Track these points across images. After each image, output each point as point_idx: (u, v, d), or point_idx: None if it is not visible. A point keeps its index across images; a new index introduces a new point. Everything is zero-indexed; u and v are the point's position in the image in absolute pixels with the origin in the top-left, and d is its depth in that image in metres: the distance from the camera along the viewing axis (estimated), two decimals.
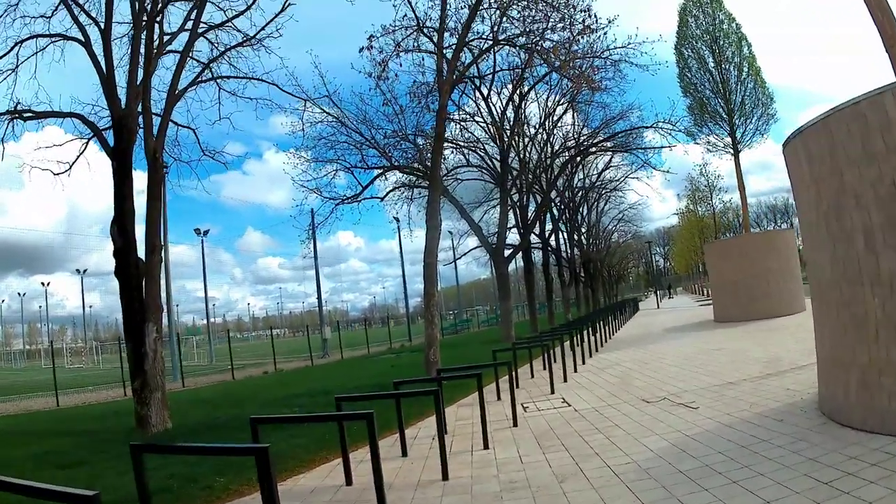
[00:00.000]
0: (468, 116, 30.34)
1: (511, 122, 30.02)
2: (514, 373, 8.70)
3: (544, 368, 14.24)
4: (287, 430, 9.08)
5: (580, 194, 49.70)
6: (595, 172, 47.35)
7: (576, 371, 13.42)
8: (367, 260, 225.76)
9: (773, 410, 7.36)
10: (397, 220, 38.87)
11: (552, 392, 10.95)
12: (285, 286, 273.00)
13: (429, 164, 18.21)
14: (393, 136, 25.56)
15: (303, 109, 20.77)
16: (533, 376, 13.41)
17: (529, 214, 34.74)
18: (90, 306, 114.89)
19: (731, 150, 27.07)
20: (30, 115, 12.92)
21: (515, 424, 8.42)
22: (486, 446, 7.31)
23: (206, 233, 53.23)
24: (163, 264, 31.81)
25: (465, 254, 42.17)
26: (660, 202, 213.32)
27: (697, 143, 28.32)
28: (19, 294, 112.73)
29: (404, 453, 7.42)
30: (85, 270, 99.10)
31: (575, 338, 15.79)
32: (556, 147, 36.93)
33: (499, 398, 10.68)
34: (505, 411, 9.18)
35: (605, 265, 74.66)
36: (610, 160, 42.24)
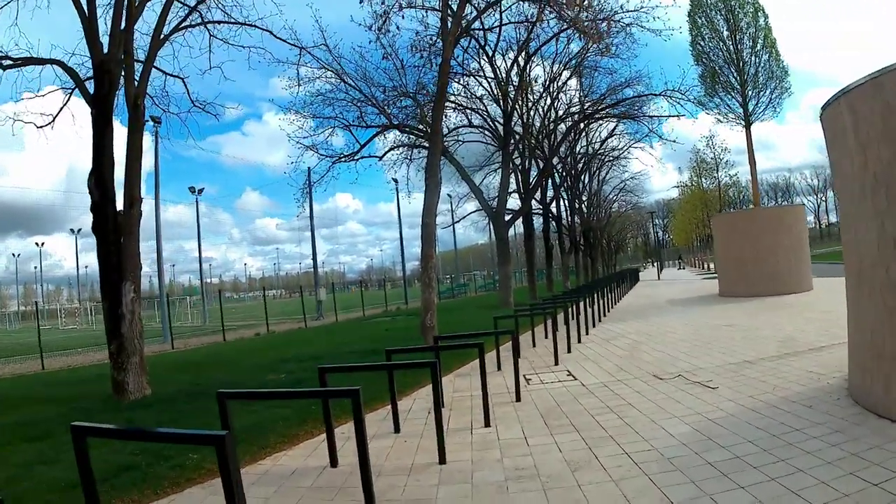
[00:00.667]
0: (471, 74, 29.47)
1: (515, 84, 29.08)
2: (516, 343, 8.04)
3: (546, 337, 13.78)
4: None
5: (582, 161, 49.16)
6: (598, 140, 46.81)
7: (579, 342, 12.82)
8: (365, 222, 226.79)
9: (800, 395, 6.76)
10: (396, 181, 38.26)
11: (556, 363, 10.35)
12: (283, 247, 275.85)
13: (430, 121, 17.47)
14: (393, 92, 24.72)
15: (298, 64, 19.90)
16: (535, 345, 12.86)
17: (531, 179, 33.99)
18: (86, 266, 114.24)
19: (743, 122, 26.16)
20: (8, 62, 12.11)
21: (518, 399, 7.79)
22: (486, 424, 6.70)
23: (200, 191, 52.75)
24: (155, 222, 32.35)
25: (464, 217, 41.77)
26: (660, 174, 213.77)
27: (708, 114, 27.51)
28: (14, 255, 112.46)
29: (397, 429, 6.81)
30: (79, 230, 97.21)
31: (577, 306, 15.18)
32: (560, 112, 36.21)
33: (499, 368, 10.14)
34: (507, 383, 8.64)
35: (605, 235, 74.38)
36: (615, 128, 41.51)
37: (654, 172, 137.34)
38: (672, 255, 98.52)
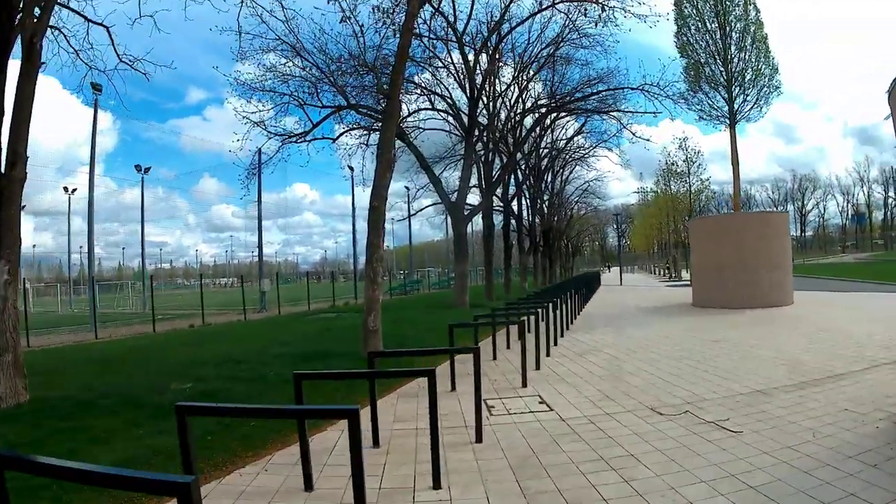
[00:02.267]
0: (437, 57, 27.72)
1: (484, 69, 27.36)
2: (477, 364, 6.13)
3: (508, 347, 11.99)
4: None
5: (547, 159, 48.06)
6: (565, 138, 45.70)
7: (548, 355, 11.04)
8: (321, 213, 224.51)
9: (851, 446, 5.19)
10: (352, 169, 36.23)
11: (524, 384, 8.52)
12: (238, 235, 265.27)
13: (387, 88, 15.62)
14: (350, 62, 22.70)
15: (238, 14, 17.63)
16: (495, 357, 11.06)
17: (494, 174, 32.32)
18: (33, 246, 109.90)
19: (727, 121, 24.72)
20: None
21: (479, 439, 5.88)
22: (436, 483, 4.76)
23: (147, 170, 51.84)
24: (88, 198, 30.16)
25: (420, 210, 40.09)
26: (618, 181, 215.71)
27: (689, 110, 25.96)
28: None
29: (308, 485, 4.86)
30: (24, 206, 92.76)
31: (542, 312, 13.48)
32: (528, 105, 34.66)
33: (453, 388, 8.33)
34: (462, 410, 6.92)
35: (565, 236, 73.68)
36: (583, 126, 40.31)
37: (612, 178, 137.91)
38: (630, 261, 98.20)
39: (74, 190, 57.35)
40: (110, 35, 12.89)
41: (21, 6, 9.36)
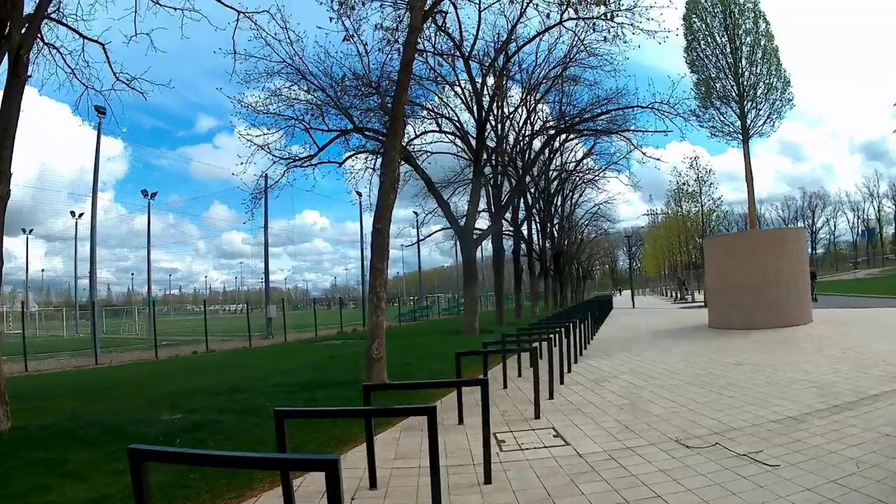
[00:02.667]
0: (444, 79, 27.44)
1: (491, 90, 27.05)
2: (486, 396, 5.54)
3: (520, 375, 11.47)
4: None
5: (556, 182, 47.80)
6: (574, 160, 45.48)
7: (562, 382, 10.49)
8: (331, 240, 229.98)
9: None
10: (360, 194, 36.13)
11: (536, 416, 7.94)
12: (248, 261, 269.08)
13: (390, 107, 15.31)
14: (354, 82, 22.41)
15: (235, 29, 17.34)
16: (506, 386, 10.53)
17: (503, 197, 31.94)
18: (42, 270, 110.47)
19: (740, 136, 24.23)
20: None
21: (488, 480, 5.32)
22: None
23: (153, 195, 50.32)
24: (90, 223, 29.84)
25: (429, 235, 39.61)
26: (626, 204, 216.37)
27: (701, 126, 25.48)
28: None
29: None
30: (31, 230, 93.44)
31: (555, 338, 12.95)
32: (537, 127, 34.36)
33: (461, 421, 7.74)
34: (471, 447, 6.34)
35: (575, 260, 73.32)
36: (591, 148, 40.13)
37: (621, 201, 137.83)
38: (641, 284, 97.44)
39: (81, 214, 57.94)
40: (106, 53, 12.59)
41: (8, 21, 9.08)
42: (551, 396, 9.16)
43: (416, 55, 14.33)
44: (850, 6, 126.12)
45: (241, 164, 23.50)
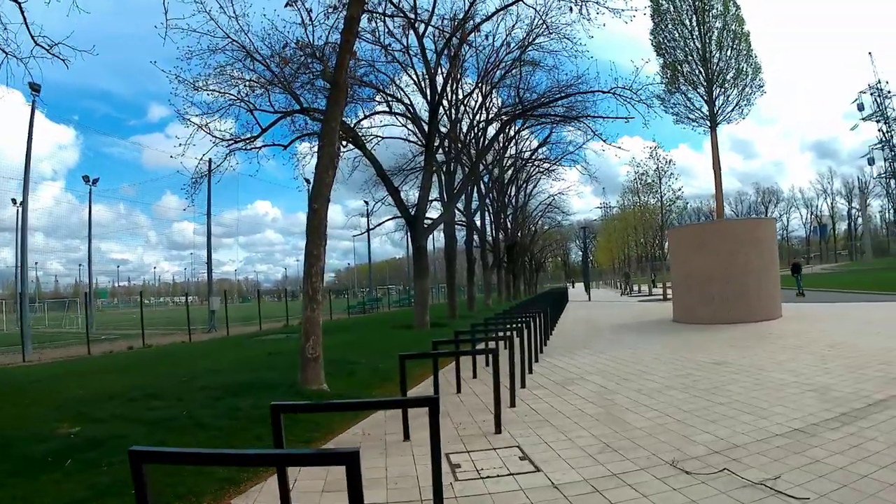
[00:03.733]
0: (395, 59, 25.95)
1: (445, 72, 25.81)
2: (435, 425, 4.19)
3: (475, 377, 10.33)
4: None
5: (510, 171, 46.93)
6: (529, 150, 44.63)
7: (524, 386, 9.35)
8: (283, 231, 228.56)
9: None
10: (307, 181, 34.56)
11: (497, 429, 6.72)
12: (200, 253, 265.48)
13: (332, 71, 13.97)
14: (297, 52, 20.85)
15: None
16: (459, 390, 9.32)
17: (455, 185, 30.71)
18: None
19: (708, 123, 23.38)
20: None
21: None
22: None
23: (95, 181, 49.30)
24: (20, 212, 27.80)
25: (381, 223, 38.25)
26: (578, 197, 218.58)
27: (666, 111, 24.54)
28: None
29: None
30: None
31: (513, 333, 11.82)
32: (492, 114, 33.14)
33: (406, 437, 6.52)
34: (418, 476, 5.13)
35: (529, 252, 72.90)
36: (548, 137, 39.17)
37: (573, 194, 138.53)
38: (595, 276, 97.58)
39: (22, 202, 55.38)
40: (22, 11, 11.02)
41: None
42: (513, 404, 7.96)
43: (365, 19, 13.02)
44: (800, 9, 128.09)
45: (180, 145, 21.79)
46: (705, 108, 23.52)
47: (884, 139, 78.64)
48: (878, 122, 78.89)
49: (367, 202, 43.18)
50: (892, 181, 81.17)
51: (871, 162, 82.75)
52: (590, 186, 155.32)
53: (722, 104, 23.45)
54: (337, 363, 12.13)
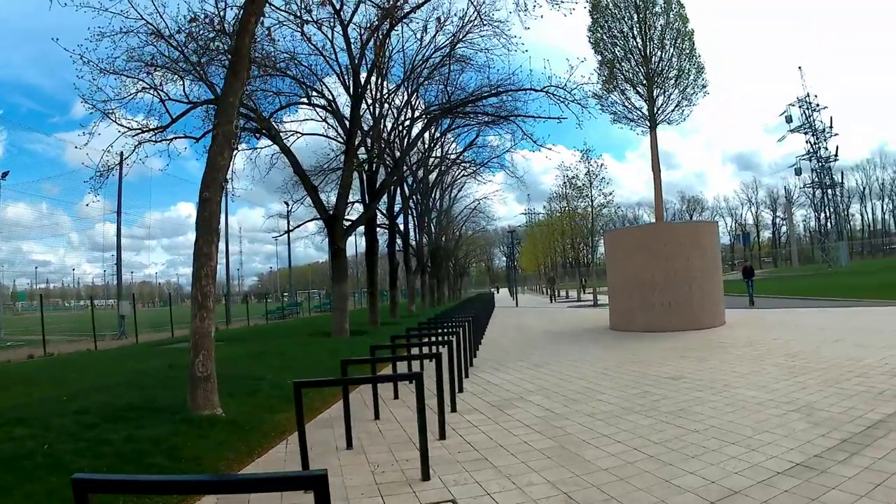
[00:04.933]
0: (318, 50, 24.27)
1: (370, 63, 24.28)
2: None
3: (396, 397, 8.92)
4: None
5: (435, 173, 45.91)
6: (455, 153, 43.56)
7: (454, 410, 7.91)
8: None
9: None
10: (227, 180, 32.56)
11: (425, 475, 5.22)
12: (124, 255, 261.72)
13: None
14: (204, 27, 18.94)
15: None
16: (378, 416, 7.82)
17: (377, 185, 29.15)
18: None
19: (647, 123, 22.40)
20: None
21: None
22: None
23: (4, 175, 45.84)
24: None
25: (300, 224, 36.29)
26: (501, 204, 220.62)
27: (602, 111, 23.46)
28: None
29: None
30: None
31: (436, 342, 10.47)
32: (417, 113, 31.77)
33: (304, 464, 5.10)
34: None
35: (453, 256, 72.18)
36: (474, 140, 38.30)
37: (497, 200, 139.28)
38: (519, 282, 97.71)
39: None
40: None
41: None
42: (442, 435, 6.49)
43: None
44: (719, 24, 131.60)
45: (83, 133, 19.61)
46: (645, 108, 22.59)
47: (811, 150, 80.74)
48: (805, 133, 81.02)
49: (287, 203, 41.22)
50: (818, 191, 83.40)
51: (798, 172, 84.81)
52: (513, 193, 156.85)
53: (662, 104, 22.56)
54: (239, 379, 10.67)
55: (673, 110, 22.74)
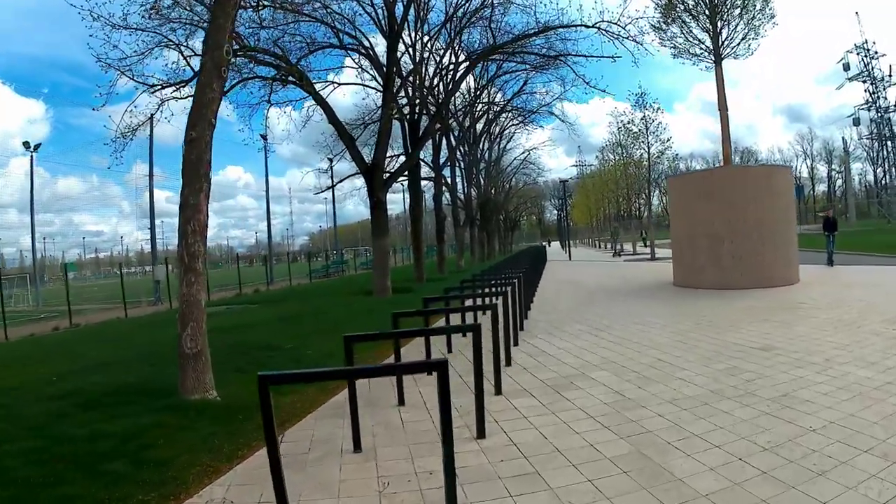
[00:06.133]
0: None
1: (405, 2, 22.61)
2: None
3: (429, 373, 7.48)
4: None
5: (483, 123, 44.00)
6: (503, 100, 41.26)
7: (499, 392, 6.37)
8: (256, 196, 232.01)
9: None
10: (264, 137, 31.94)
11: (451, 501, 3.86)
12: (171, 220, 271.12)
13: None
14: None
15: None
16: (402, 402, 6.33)
17: (421, 134, 27.44)
18: None
19: (712, 57, 20.29)
20: None
21: None
22: None
23: (36, 147, 47.68)
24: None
25: (342, 179, 34.77)
26: (550, 157, 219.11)
27: (662, 45, 21.41)
28: None
29: None
30: None
31: (483, 303, 9.09)
32: (461, 57, 29.83)
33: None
34: None
35: (503, 209, 70.31)
36: (524, 85, 36.18)
37: (546, 152, 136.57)
38: (571, 235, 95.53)
39: None
40: None
41: None
42: (481, 433, 5.02)
43: None
44: None
45: (99, 94, 18.40)
46: (708, 41, 20.47)
47: (870, 100, 76.60)
48: (864, 82, 76.81)
49: (330, 159, 39.91)
50: (876, 143, 79.37)
51: (857, 122, 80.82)
52: (562, 146, 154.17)
53: (727, 36, 20.36)
54: (254, 350, 9.56)
55: (739, 43, 20.55)
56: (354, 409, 4.83)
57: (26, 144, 46.37)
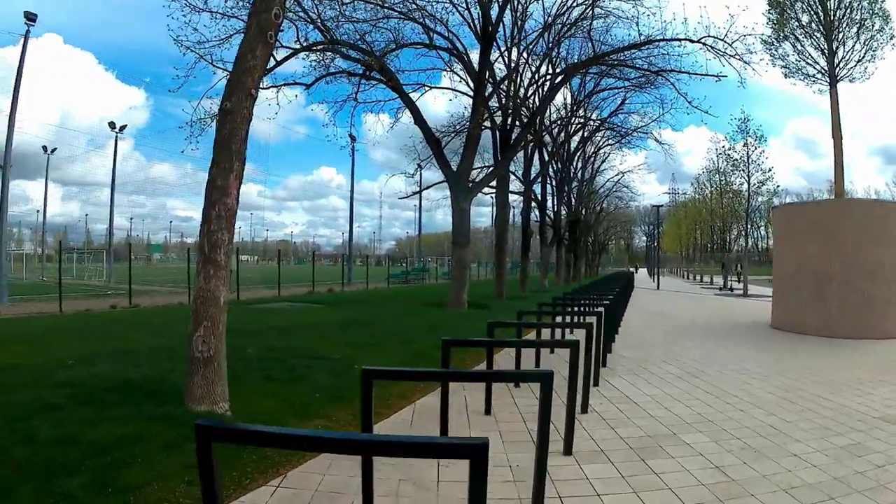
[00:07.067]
0: None
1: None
2: None
3: (487, 412, 6.47)
4: None
5: (578, 140, 42.89)
6: (599, 118, 40.20)
7: (568, 452, 5.18)
8: (346, 197, 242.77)
9: None
10: (353, 138, 31.88)
11: None
12: (262, 214, 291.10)
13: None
14: None
15: None
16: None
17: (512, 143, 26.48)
18: (36, 212, 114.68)
19: (827, 79, 18.70)
20: None
21: None
22: None
23: (122, 129, 49.28)
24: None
25: (428, 187, 34.36)
26: (642, 182, 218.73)
27: (773, 65, 19.89)
28: None
29: None
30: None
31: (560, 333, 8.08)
32: (558, 67, 28.88)
33: None
34: None
35: (592, 231, 68.51)
36: (623, 102, 34.85)
37: (639, 176, 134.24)
38: (662, 263, 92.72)
39: (55, 150, 58.47)
40: None
41: None
42: None
43: None
44: None
45: (177, 76, 18.17)
46: (822, 61, 18.85)
47: None
48: None
49: (419, 164, 39.52)
50: None
51: None
52: (655, 173, 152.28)
53: (844, 57, 18.70)
54: (296, 357, 8.78)
55: (855, 66, 18.89)
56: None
57: (111, 125, 47.93)
